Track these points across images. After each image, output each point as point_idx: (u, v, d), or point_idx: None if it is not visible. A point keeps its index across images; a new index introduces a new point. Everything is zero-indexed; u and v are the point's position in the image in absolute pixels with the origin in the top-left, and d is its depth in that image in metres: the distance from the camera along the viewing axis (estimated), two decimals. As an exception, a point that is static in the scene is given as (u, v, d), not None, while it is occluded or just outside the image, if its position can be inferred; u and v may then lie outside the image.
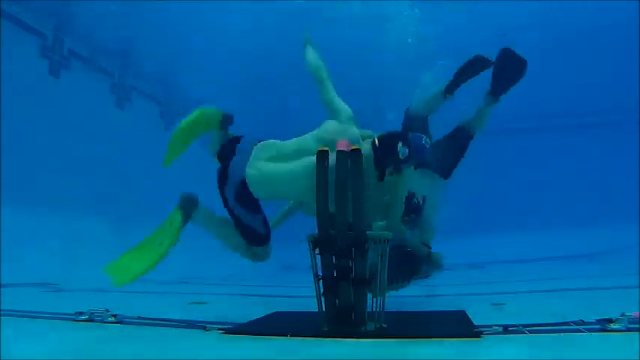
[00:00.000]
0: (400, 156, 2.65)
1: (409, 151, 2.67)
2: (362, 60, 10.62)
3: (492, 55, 3.55)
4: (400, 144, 2.64)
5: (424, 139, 2.98)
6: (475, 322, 2.39)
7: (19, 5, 7.15)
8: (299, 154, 2.65)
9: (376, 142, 2.66)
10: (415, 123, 3.45)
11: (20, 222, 6.50)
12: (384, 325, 2.35)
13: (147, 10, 8.98)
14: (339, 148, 2.43)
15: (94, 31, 8.59)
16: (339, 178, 2.38)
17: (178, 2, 9.19)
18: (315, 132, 2.73)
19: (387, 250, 2.40)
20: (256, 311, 2.93)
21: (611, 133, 12.76)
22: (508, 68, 3.59)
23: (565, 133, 13.42)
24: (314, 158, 2.45)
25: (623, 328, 2.04)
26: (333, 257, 2.34)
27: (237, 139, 2.91)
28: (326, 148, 2.46)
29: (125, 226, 8.67)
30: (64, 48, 8.06)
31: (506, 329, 2.13)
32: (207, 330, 2.33)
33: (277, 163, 2.67)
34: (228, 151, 2.87)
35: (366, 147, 2.65)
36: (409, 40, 10.36)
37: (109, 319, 2.58)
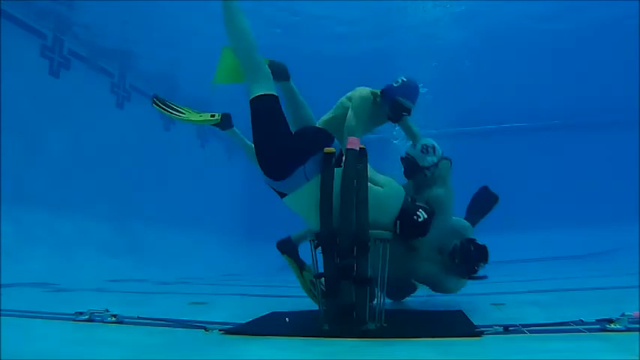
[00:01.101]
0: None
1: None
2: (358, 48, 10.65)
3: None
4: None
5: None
6: (475, 322, 2.40)
7: (19, 5, 7.15)
8: None
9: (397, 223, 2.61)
10: None
11: (20, 222, 6.50)
12: (385, 325, 2.35)
13: (147, 10, 8.98)
14: (349, 146, 2.43)
15: (94, 31, 8.59)
16: (347, 176, 2.37)
17: (179, 2, 9.19)
18: None
19: (388, 249, 2.40)
20: (256, 311, 2.93)
21: (610, 133, 12.77)
22: (484, 203, 3.86)
23: (565, 133, 13.43)
24: None
25: (623, 328, 2.04)
26: (335, 256, 2.34)
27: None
28: (332, 150, 2.46)
29: (125, 226, 8.69)
30: (64, 48, 8.07)
31: (506, 329, 2.13)
32: (207, 330, 2.33)
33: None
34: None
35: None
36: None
37: (109, 319, 2.58)
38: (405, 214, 2.59)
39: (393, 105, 3.22)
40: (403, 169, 3.34)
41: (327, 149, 2.45)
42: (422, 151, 3.22)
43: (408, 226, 2.57)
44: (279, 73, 2.89)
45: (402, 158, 3.35)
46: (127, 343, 2.13)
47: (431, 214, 2.67)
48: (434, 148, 3.25)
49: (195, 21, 10.10)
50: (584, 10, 9.91)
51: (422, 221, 2.59)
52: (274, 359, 1.86)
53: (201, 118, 3.05)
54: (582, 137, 13.12)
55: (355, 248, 2.32)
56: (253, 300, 4.54)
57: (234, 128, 3.15)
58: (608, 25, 10.16)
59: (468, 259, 3.01)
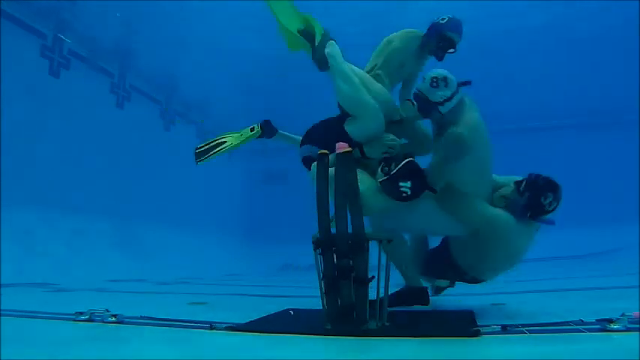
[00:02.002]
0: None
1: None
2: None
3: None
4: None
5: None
6: (476, 322, 2.40)
7: (19, 5, 7.15)
8: None
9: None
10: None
11: (20, 222, 6.51)
12: (387, 324, 2.36)
13: (147, 10, 8.98)
14: (338, 150, 2.44)
15: (94, 31, 8.59)
16: (338, 179, 2.39)
17: (179, 2, 9.20)
18: None
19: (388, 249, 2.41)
20: (257, 311, 2.93)
21: (611, 133, 12.77)
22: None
23: (565, 133, 13.43)
24: None
25: (623, 328, 2.04)
26: (334, 257, 2.35)
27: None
28: (326, 151, 2.47)
29: (125, 225, 8.70)
30: (64, 48, 8.07)
31: (505, 329, 2.13)
32: (212, 329, 2.33)
33: None
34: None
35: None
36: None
37: (109, 319, 2.58)
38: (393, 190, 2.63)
39: (441, 39, 3.17)
40: (417, 107, 2.92)
41: (321, 151, 2.47)
42: (431, 85, 2.73)
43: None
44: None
45: (414, 94, 2.91)
46: (129, 343, 2.13)
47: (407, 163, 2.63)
48: (445, 79, 2.72)
49: (195, 21, 10.10)
50: (584, 9, 9.92)
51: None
52: (276, 358, 1.86)
53: (243, 137, 3.10)
54: (582, 137, 13.12)
55: (353, 249, 2.34)
56: (253, 300, 4.54)
57: (280, 131, 3.18)
58: (609, 25, 10.16)
59: (536, 188, 2.71)
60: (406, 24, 3.32)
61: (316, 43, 2.95)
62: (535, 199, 2.70)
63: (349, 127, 2.87)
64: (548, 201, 2.70)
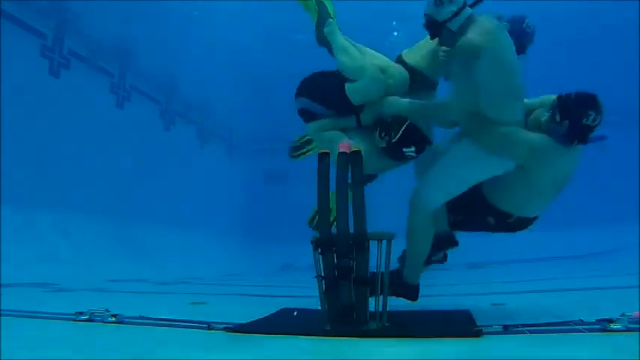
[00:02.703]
0: None
1: None
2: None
3: None
4: None
5: None
6: (475, 322, 2.39)
7: (19, 5, 7.15)
8: None
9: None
10: None
11: (20, 222, 6.51)
12: (387, 324, 2.36)
13: (147, 10, 8.98)
14: (340, 150, 2.44)
15: (94, 31, 8.59)
16: (340, 179, 2.39)
17: (179, 2, 9.20)
18: None
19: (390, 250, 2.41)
20: (256, 311, 2.93)
21: (611, 134, 12.75)
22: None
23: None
24: None
25: (623, 328, 2.04)
26: (334, 257, 2.35)
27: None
28: (327, 151, 2.47)
29: (125, 225, 8.70)
30: (64, 48, 8.07)
31: (506, 329, 2.13)
32: (210, 329, 2.33)
33: None
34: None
35: None
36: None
37: (109, 319, 2.58)
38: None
39: (519, 49, 3.04)
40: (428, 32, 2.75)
41: (321, 151, 2.47)
42: (436, 4, 2.60)
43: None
44: None
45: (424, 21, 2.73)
46: (130, 343, 2.13)
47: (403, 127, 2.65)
48: None
49: (195, 21, 10.11)
50: (585, 10, 9.92)
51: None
52: (276, 359, 1.86)
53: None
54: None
55: (354, 249, 2.33)
56: (253, 300, 4.54)
57: None
58: (609, 25, 10.16)
59: (573, 113, 2.45)
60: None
61: (314, 23, 3.04)
62: (576, 124, 2.48)
63: (349, 88, 2.87)
64: (591, 119, 2.46)
